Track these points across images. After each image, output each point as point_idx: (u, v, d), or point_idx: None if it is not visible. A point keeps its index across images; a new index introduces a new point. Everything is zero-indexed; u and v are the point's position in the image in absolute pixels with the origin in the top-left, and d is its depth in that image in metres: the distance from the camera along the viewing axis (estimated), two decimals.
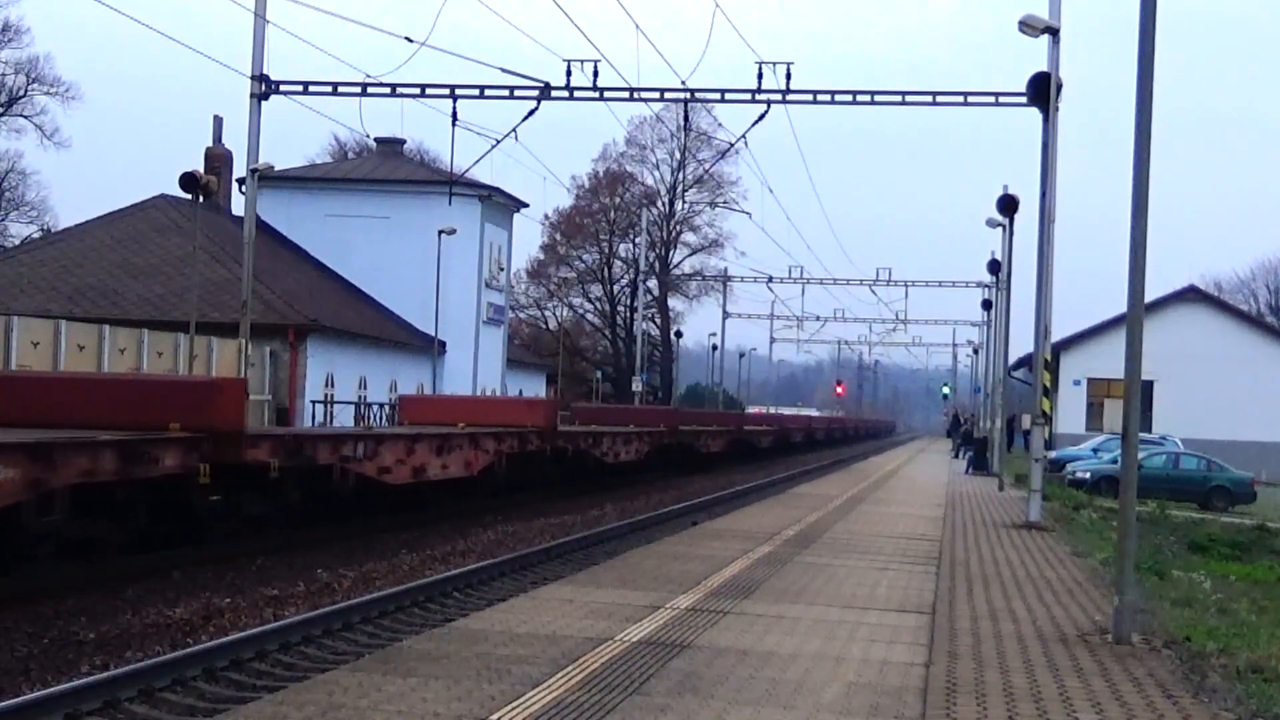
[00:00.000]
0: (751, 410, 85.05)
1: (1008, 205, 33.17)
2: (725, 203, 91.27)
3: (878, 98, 28.32)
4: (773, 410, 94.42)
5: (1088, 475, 42.06)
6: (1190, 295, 66.76)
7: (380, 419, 42.64)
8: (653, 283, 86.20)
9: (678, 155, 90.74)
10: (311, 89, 28.15)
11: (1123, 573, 10.43)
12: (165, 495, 15.44)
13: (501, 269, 58.00)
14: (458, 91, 28.24)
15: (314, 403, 41.02)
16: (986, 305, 55.04)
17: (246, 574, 15.77)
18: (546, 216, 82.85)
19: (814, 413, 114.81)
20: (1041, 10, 22.73)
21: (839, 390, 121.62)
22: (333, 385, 43.26)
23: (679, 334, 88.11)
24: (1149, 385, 54.12)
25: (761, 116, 28.60)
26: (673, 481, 37.44)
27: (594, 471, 32.26)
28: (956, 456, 56.89)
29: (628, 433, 35.13)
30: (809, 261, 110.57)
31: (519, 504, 26.25)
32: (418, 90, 28.21)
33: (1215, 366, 61.27)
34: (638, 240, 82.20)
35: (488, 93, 28.63)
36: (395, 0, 64.61)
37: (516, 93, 28.42)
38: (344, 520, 20.22)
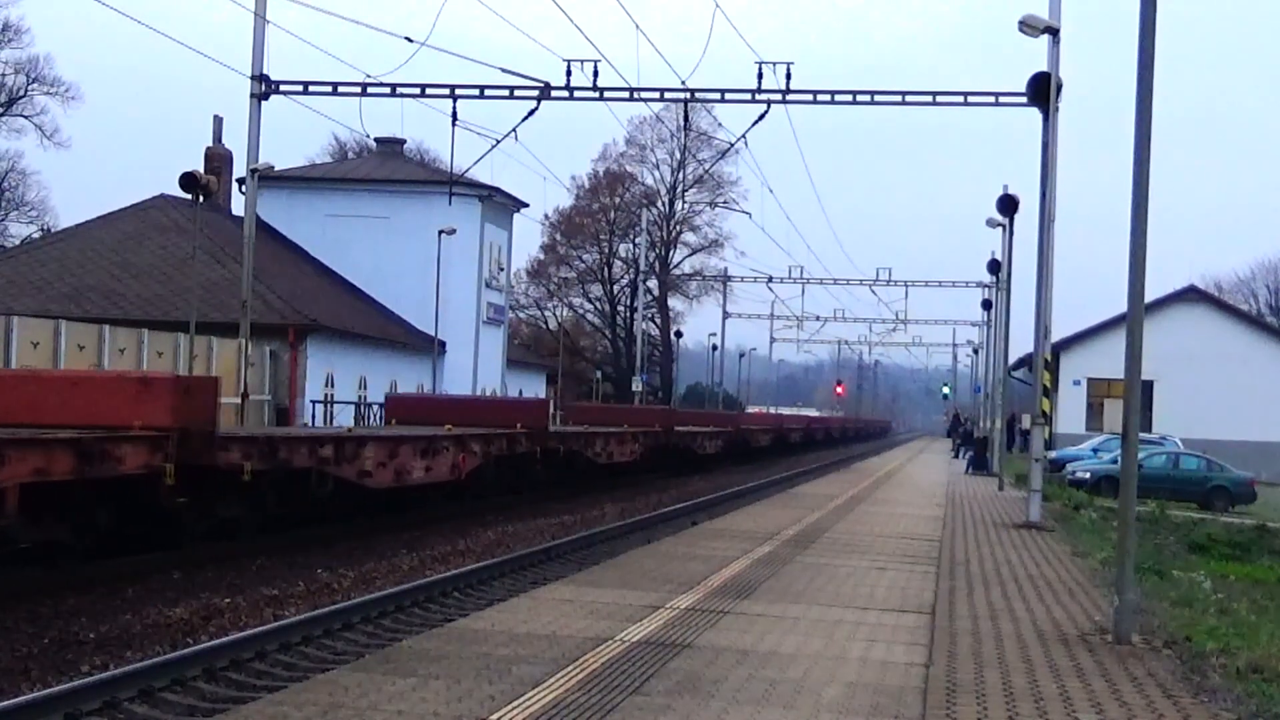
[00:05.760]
0: (752, 410, 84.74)
1: (1008, 205, 33.17)
2: (725, 203, 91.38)
3: (878, 98, 28.34)
4: (771, 410, 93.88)
5: (1088, 475, 42.03)
6: (1190, 295, 66.72)
7: (380, 419, 42.61)
8: (653, 283, 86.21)
9: (678, 155, 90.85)
10: (311, 89, 28.19)
11: (1123, 573, 10.43)
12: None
13: (501, 269, 58.00)
14: (458, 91, 28.28)
15: (314, 403, 41.08)
16: (986, 305, 55.05)
17: (246, 574, 15.76)
18: (546, 216, 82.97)
19: (814, 413, 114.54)
20: (1041, 10, 22.74)
21: (839, 390, 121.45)
22: (333, 385, 43.28)
23: (679, 334, 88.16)
24: (1149, 385, 54.11)
25: (761, 116, 28.67)
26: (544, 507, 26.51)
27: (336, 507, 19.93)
28: (956, 456, 56.91)
29: (431, 436, 21.74)
30: (809, 261, 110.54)
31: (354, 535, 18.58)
32: (418, 90, 28.24)
33: (1215, 366, 61.24)
34: (638, 240, 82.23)
35: (488, 93, 28.68)
36: (395, 0, 64.80)
37: (516, 93, 28.46)
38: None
